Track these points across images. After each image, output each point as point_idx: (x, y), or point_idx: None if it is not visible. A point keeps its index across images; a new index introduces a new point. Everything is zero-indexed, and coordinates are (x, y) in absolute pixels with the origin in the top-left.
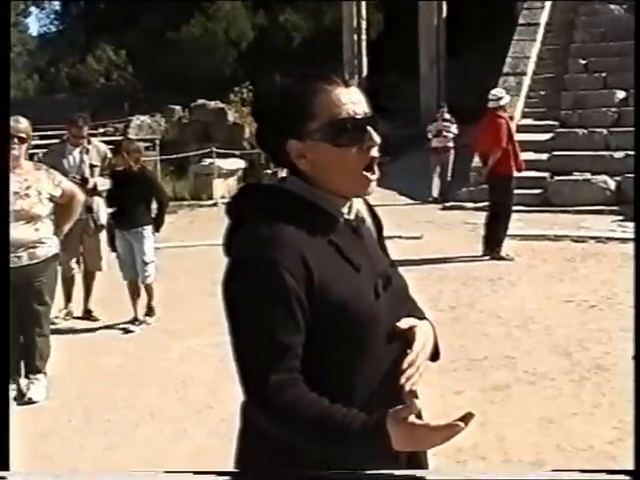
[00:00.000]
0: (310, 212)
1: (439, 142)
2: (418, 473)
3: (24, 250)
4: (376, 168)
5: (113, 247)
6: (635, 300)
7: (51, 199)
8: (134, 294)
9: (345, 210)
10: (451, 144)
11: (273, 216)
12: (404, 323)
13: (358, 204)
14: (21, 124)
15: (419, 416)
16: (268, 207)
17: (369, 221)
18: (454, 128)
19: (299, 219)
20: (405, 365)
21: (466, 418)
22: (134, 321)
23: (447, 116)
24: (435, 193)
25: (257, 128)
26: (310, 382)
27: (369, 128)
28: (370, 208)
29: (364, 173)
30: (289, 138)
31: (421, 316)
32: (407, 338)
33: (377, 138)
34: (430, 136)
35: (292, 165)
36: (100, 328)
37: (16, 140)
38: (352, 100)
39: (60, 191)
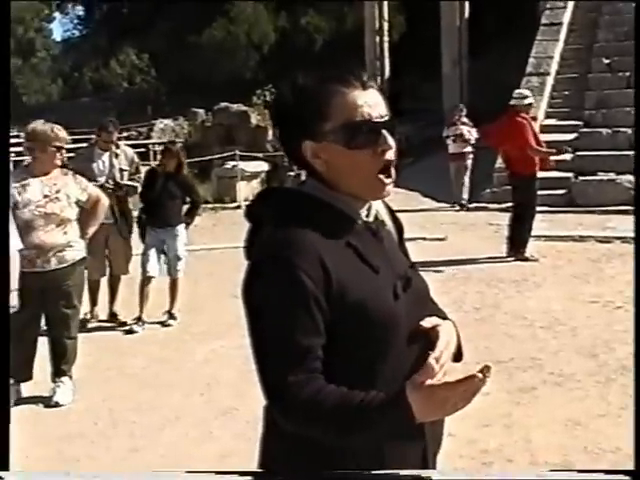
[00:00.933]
0: (328, 214)
1: (458, 147)
2: (423, 473)
3: (53, 254)
4: (392, 171)
5: (144, 241)
6: (635, 298)
7: (77, 203)
8: (145, 293)
9: (364, 212)
10: (469, 149)
11: (292, 219)
12: (427, 322)
13: (378, 206)
14: (60, 133)
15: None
16: (287, 210)
17: (389, 224)
18: (473, 132)
19: (317, 222)
20: (430, 362)
21: (483, 371)
22: (138, 321)
23: (465, 119)
24: (461, 198)
25: (276, 126)
26: (332, 383)
27: (384, 131)
28: (390, 211)
29: (379, 176)
30: (305, 139)
31: (443, 317)
32: (430, 338)
33: (392, 142)
34: (449, 141)
35: (309, 166)
36: (125, 331)
37: (54, 149)
38: (368, 103)
39: (86, 195)
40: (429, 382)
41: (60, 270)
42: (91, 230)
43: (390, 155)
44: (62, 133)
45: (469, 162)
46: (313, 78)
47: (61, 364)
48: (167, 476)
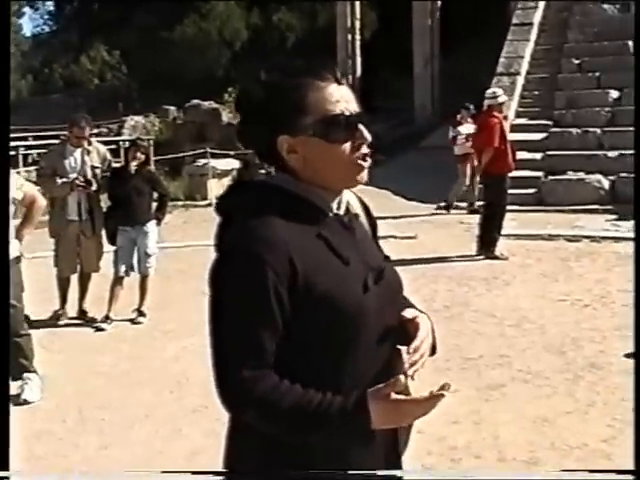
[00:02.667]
0: (299, 206)
1: (464, 148)
2: (398, 473)
3: None
4: (368, 160)
5: (113, 242)
6: (635, 298)
7: (12, 202)
8: (116, 292)
9: (334, 205)
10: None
11: (261, 212)
12: (408, 313)
13: (350, 199)
14: None
15: (406, 393)
16: (256, 203)
17: (363, 218)
18: None
19: (287, 214)
20: (411, 350)
21: (445, 387)
22: (106, 319)
23: (470, 120)
24: (473, 199)
25: (241, 124)
26: (300, 376)
27: (360, 125)
28: (364, 206)
29: (358, 162)
30: (280, 134)
31: (419, 310)
32: (403, 331)
33: (368, 135)
34: (457, 142)
35: (281, 161)
36: (94, 328)
37: None
38: (344, 97)
39: (21, 194)
40: (394, 396)
41: None
42: (26, 231)
43: (365, 149)
44: None
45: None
46: (285, 72)
47: (18, 360)
48: (145, 475)
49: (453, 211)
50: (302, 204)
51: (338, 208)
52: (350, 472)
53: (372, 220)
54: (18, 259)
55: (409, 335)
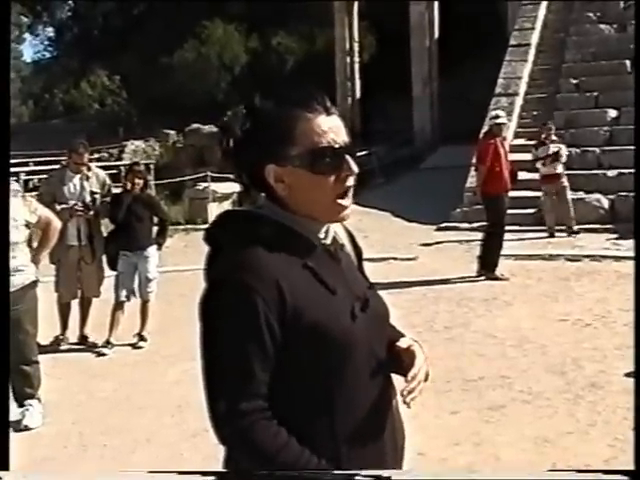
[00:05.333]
0: (286, 237)
1: (551, 168)
2: (384, 473)
3: None
4: (350, 195)
5: (113, 267)
6: (635, 305)
7: (27, 226)
8: (117, 317)
9: (322, 235)
10: (562, 169)
11: (249, 242)
12: (403, 342)
13: (337, 230)
14: None
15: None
16: (244, 233)
17: (349, 247)
18: (564, 149)
19: (275, 244)
20: (409, 378)
21: None
22: (107, 344)
23: (554, 137)
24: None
25: (234, 150)
26: (291, 405)
27: (348, 157)
28: (350, 235)
29: (338, 201)
30: (268, 162)
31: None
32: (395, 357)
33: (355, 167)
34: (539, 164)
35: (269, 189)
36: (95, 353)
37: None
38: (333, 129)
39: (36, 218)
40: None
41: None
42: (43, 254)
43: (351, 181)
44: None
45: (565, 182)
46: (275, 103)
47: (23, 389)
48: (133, 476)
49: (451, 232)
50: (289, 235)
51: (325, 238)
52: (350, 472)
53: (358, 249)
54: (35, 284)
55: (403, 363)
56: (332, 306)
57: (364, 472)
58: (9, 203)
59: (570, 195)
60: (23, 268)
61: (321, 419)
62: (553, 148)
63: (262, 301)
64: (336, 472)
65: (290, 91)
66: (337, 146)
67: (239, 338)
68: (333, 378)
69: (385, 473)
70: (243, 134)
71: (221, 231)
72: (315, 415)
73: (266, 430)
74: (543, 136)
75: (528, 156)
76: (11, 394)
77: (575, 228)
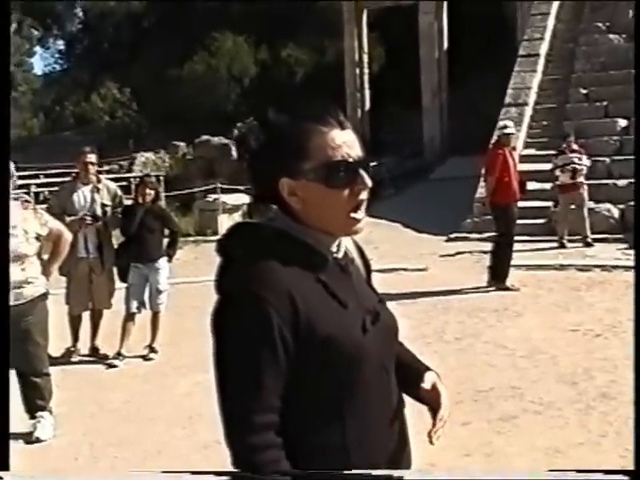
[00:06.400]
0: (299, 250)
1: (569, 178)
2: (395, 473)
3: (10, 290)
4: (363, 209)
5: (124, 279)
6: (635, 312)
7: (38, 238)
8: (127, 329)
9: (334, 248)
10: (582, 179)
11: (262, 254)
12: (428, 383)
13: (347, 243)
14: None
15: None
16: (257, 246)
17: (358, 261)
18: (585, 160)
19: (287, 257)
20: (438, 420)
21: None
22: (118, 356)
23: (575, 146)
24: (585, 234)
25: (249, 163)
26: (302, 418)
27: (361, 171)
28: (359, 249)
29: (351, 215)
30: (282, 176)
31: (422, 364)
32: (402, 371)
33: (368, 181)
34: (558, 172)
35: (283, 202)
36: (106, 365)
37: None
38: (347, 143)
39: (47, 230)
40: None
41: (18, 307)
42: (54, 266)
43: (364, 194)
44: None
45: (585, 193)
46: (290, 116)
47: (35, 400)
48: (146, 476)
49: (461, 243)
50: (302, 248)
51: (337, 252)
52: (350, 472)
53: (367, 263)
54: (45, 296)
55: (424, 394)
56: (344, 319)
57: (375, 472)
58: (8, 213)
59: (587, 206)
60: (33, 280)
61: (332, 431)
62: (573, 158)
63: (275, 313)
64: (347, 472)
65: (304, 105)
66: (351, 160)
67: (252, 350)
68: (344, 390)
69: (396, 473)
70: (257, 148)
71: (233, 243)
72: (326, 427)
73: (272, 453)
74: (563, 145)
75: (538, 166)
76: (22, 405)
77: (589, 240)
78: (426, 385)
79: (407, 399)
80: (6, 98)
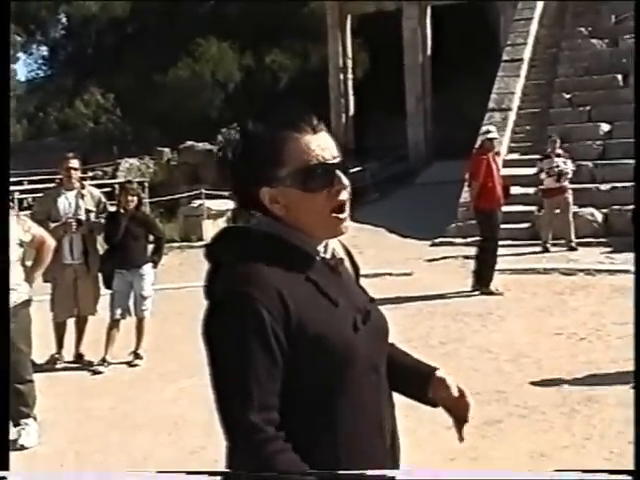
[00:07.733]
0: (287, 251)
1: (554, 182)
2: (388, 473)
3: None
4: (347, 209)
5: (109, 285)
6: (635, 319)
7: (21, 244)
8: (112, 335)
9: (321, 249)
10: (567, 183)
11: (250, 257)
12: (455, 390)
13: (335, 245)
14: None
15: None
16: (245, 249)
17: (347, 262)
18: (570, 164)
19: (276, 258)
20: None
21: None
22: (103, 362)
23: (560, 151)
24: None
25: (230, 174)
26: (293, 416)
27: (338, 172)
28: (347, 251)
29: (333, 215)
30: (262, 185)
31: (414, 359)
32: (391, 367)
33: (346, 181)
34: (543, 176)
35: (266, 210)
36: (91, 372)
37: None
38: (321, 146)
39: (30, 236)
40: None
41: None
42: (38, 273)
43: (344, 195)
44: None
45: (570, 197)
46: (264, 125)
47: (18, 408)
48: (142, 476)
49: (446, 247)
50: (290, 249)
51: (325, 252)
52: (350, 472)
53: (355, 265)
54: (28, 302)
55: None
56: (334, 318)
57: (367, 472)
58: (8, 222)
59: (571, 211)
60: (16, 287)
61: (322, 430)
62: (558, 162)
63: (267, 312)
64: (351, 472)
65: (278, 113)
66: (326, 162)
67: (247, 350)
68: (335, 389)
69: (388, 473)
70: (236, 158)
71: (221, 247)
72: (316, 426)
73: (275, 445)
74: (548, 150)
75: (522, 171)
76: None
77: (574, 244)
78: (454, 392)
79: (399, 399)
80: (6, 101)
